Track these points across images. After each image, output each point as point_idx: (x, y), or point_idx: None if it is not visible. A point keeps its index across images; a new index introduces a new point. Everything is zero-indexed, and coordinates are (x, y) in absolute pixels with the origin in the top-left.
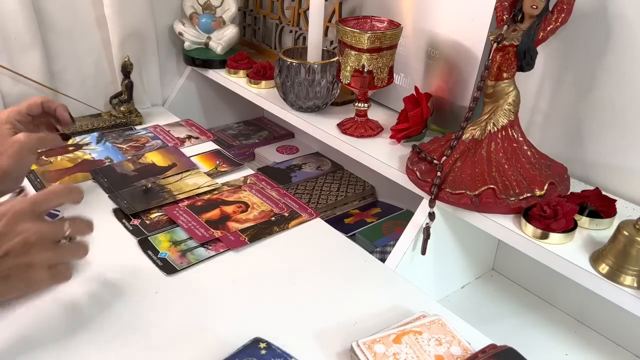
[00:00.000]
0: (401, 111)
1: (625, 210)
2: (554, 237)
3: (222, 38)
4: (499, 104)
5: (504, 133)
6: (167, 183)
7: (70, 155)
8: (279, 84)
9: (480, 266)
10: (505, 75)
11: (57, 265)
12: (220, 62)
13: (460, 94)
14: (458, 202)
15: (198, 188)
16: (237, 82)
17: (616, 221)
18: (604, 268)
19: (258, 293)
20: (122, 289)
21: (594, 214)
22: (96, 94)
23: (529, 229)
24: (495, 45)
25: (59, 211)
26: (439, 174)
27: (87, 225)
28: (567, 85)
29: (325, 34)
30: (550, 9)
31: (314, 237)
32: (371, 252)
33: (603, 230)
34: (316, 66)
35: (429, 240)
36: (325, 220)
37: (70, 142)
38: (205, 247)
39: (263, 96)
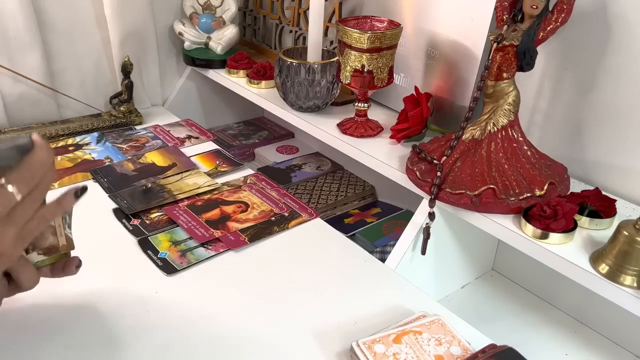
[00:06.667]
0: (401, 111)
1: (625, 210)
2: (554, 237)
3: (222, 38)
4: (499, 104)
5: (504, 133)
6: (167, 183)
7: (70, 155)
8: (279, 84)
9: (480, 266)
10: (505, 75)
11: (24, 226)
12: (220, 62)
13: (460, 94)
14: (458, 202)
15: (198, 188)
16: (237, 82)
17: (616, 221)
18: (603, 268)
19: (258, 293)
20: (122, 289)
21: (594, 214)
22: (96, 94)
23: (529, 229)
24: (495, 45)
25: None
26: (439, 174)
27: (37, 163)
28: (567, 85)
29: (325, 34)
30: (550, 9)
31: (314, 237)
32: (371, 252)
33: (603, 230)
34: (316, 66)
35: (429, 240)
36: (325, 220)
37: (70, 141)
38: (205, 247)
39: (263, 96)
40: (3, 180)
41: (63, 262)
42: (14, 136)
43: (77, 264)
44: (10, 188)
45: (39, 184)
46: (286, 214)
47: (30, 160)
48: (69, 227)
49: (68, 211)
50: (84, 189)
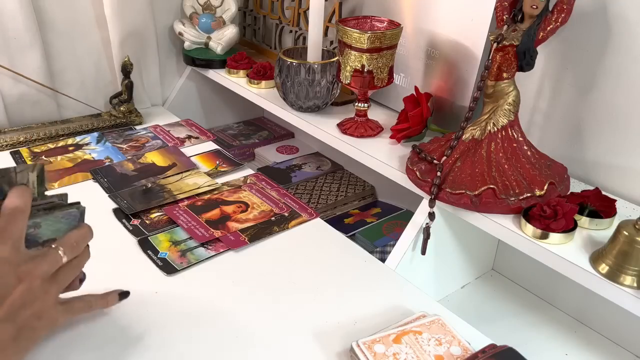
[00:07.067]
0: (401, 111)
1: (625, 210)
2: (554, 237)
3: (222, 38)
4: (499, 104)
5: (504, 133)
6: (167, 183)
7: (70, 155)
8: (279, 84)
9: (480, 266)
10: (505, 75)
11: (70, 302)
12: (220, 62)
13: (460, 94)
14: (458, 202)
15: (198, 188)
16: (237, 82)
17: (616, 221)
18: (603, 268)
19: (258, 293)
20: (122, 288)
21: (594, 214)
22: (96, 94)
23: (529, 229)
24: (495, 45)
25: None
26: (439, 174)
27: (82, 235)
28: (567, 85)
29: (325, 34)
30: (550, 9)
31: (314, 237)
32: (371, 252)
33: (603, 230)
34: (316, 66)
35: (429, 240)
36: (325, 220)
37: (70, 141)
38: (205, 247)
39: (263, 96)
40: (55, 244)
41: None
42: (64, 208)
43: (82, 277)
44: (60, 251)
45: (79, 255)
46: (286, 214)
47: (77, 231)
48: None
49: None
50: (126, 294)
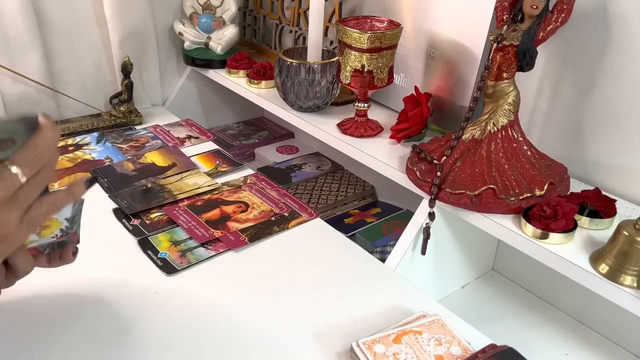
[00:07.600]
0: (401, 111)
1: (625, 210)
2: (554, 237)
3: (222, 38)
4: (499, 104)
5: (504, 133)
6: (167, 183)
7: (70, 155)
8: (279, 84)
9: (480, 266)
10: (505, 75)
11: (29, 211)
12: (220, 62)
13: (460, 94)
14: (458, 202)
15: (198, 188)
16: (237, 82)
17: (616, 221)
18: (603, 268)
19: (258, 293)
20: (122, 289)
21: (594, 214)
22: (96, 94)
23: (529, 229)
24: (495, 45)
25: None
26: (439, 174)
27: (43, 144)
28: (567, 85)
29: (325, 34)
30: (550, 9)
31: (314, 237)
32: (371, 252)
33: (603, 230)
34: (316, 66)
35: (429, 240)
36: (325, 220)
37: (70, 141)
38: (205, 247)
39: (263, 96)
40: (8, 162)
41: (59, 251)
42: (17, 113)
43: (75, 250)
44: (14, 170)
45: (44, 166)
46: (286, 214)
47: (36, 140)
48: (79, 227)
49: (77, 201)
50: (93, 180)
